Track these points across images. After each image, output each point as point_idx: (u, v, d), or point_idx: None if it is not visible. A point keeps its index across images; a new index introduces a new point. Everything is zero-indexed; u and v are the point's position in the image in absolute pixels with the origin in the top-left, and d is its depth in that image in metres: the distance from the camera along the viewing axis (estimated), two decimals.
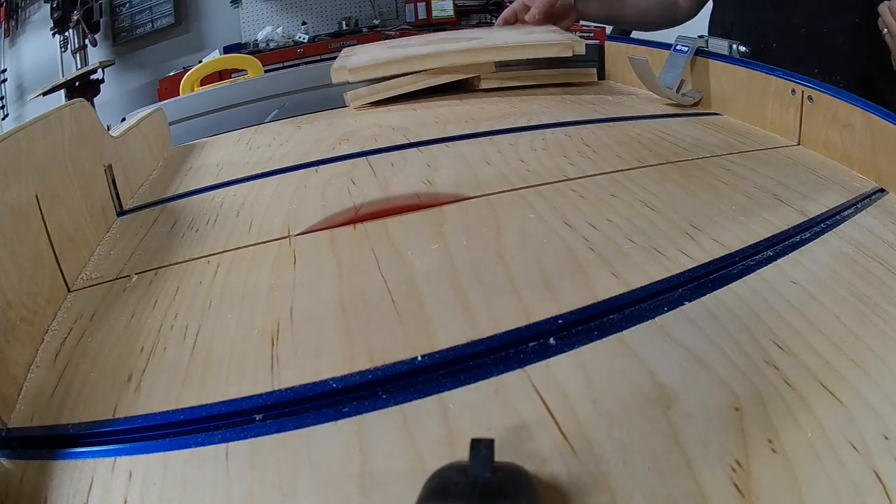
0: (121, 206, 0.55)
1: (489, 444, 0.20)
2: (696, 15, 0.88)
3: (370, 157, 0.59)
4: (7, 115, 2.99)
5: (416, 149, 0.60)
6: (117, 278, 0.41)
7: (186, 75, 1.31)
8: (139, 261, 0.43)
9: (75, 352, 0.32)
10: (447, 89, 0.91)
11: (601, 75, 0.95)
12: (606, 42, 0.93)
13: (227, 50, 2.90)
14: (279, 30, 3.00)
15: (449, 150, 0.59)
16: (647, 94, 0.79)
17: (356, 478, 0.23)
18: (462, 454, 0.20)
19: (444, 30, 2.89)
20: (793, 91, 0.56)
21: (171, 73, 2.80)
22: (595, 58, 0.97)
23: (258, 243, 0.43)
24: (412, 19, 3.01)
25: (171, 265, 0.41)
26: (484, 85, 0.91)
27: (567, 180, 0.48)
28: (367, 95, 0.86)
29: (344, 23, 3.07)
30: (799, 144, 0.55)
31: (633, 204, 0.43)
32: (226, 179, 0.59)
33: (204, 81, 1.34)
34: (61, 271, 0.39)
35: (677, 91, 0.73)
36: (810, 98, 0.54)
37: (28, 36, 2.98)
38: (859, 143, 0.49)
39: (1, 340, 0.29)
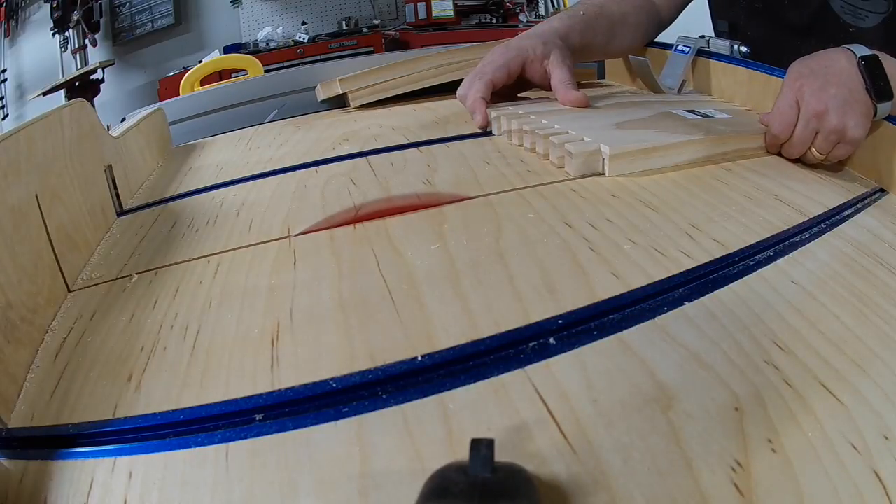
0: (121, 206, 0.55)
1: (489, 444, 0.20)
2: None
3: (370, 157, 0.59)
4: (7, 115, 2.99)
5: (416, 149, 0.60)
6: (117, 278, 0.41)
7: (186, 75, 1.31)
8: (139, 261, 0.43)
9: (75, 352, 0.32)
10: (447, 89, 0.92)
11: (601, 75, 0.95)
12: None
13: (227, 50, 2.90)
14: (279, 30, 3.00)
15: (449, 150, 0.59)
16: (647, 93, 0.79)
17: (356, 478, 0.23)
18: (462, 454, 0.20)
19: (445, 30, 2.87)
20: None
21: (172, 73, 2.80)
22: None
23: (258, 243, 0.43)
24: (412, 19, 3.00)
25: (171, 265, 0.41)
26: None
27: (567, 180, 0.48)
28: (367, 95, 0.86)
29: (344, 23, 3.06)
30: None
31: (633, 204, 0.43)
32: (226, 179, 0.59)
33: (204, 82, 1.34)
34: (61, 271, 0.39)
35: (678, 92, 0.73)
36: None
37: (28, 36, 2.98)
38: None
39: (1, 340, 0.29)
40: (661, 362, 0.27)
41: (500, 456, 0.20)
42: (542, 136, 0.53)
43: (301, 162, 0.61)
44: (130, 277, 0.40)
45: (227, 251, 0.42)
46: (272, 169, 0.60)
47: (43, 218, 0.38)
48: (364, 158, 0.59)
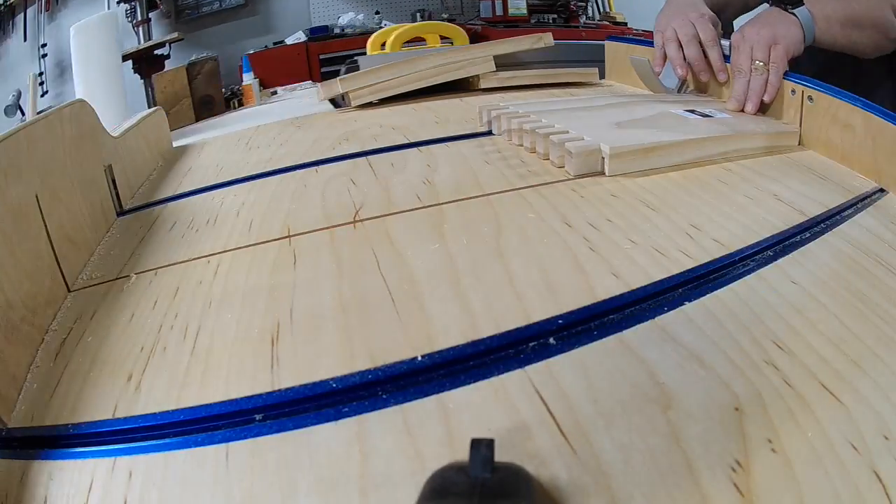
0: (121, 206, 0.55)
1: (489, 444, 0.20)
2: None
3: (370, 157, 0.59)
4: (46, 93, 2.90)
5: (416, 149, 0.60)
6: (117, 278, 0.41)
7: (397, 33, 1.23)
8: (139, 261, 0.43)
9: (75, 352, 0.32)
10: (447, 89, 0.92)
11: (601, 75, 0.95)
12: (606, 42, 0.93)
13: (313, 32, 2.85)
14: (360, 16, 2.97)
15: (449, 150, 0.59)
16: (646, 92, 0.79)
17: (356, 478, 0.23)
18: (462, 454, 0.20)
19: (517, 27, 2.85)
20: (793, 91, 0.56)
21: (252, 52, 2.70)
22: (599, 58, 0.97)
23: (258, 243, 0.43)
24: (487, 14, 2.99)
25: (171, 265, 0.41)
26: (483, 84, 0.91)
27: (567, 180, 0.48)
28: (368, 94, 0.86)
29: (418, 15, 3.07)
30: (799, 144, 0.56)
31: (633, 204, 0.43)
32: (226, 179, 0.59)
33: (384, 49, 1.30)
34: (61, 271, 0.39)
35: (679, 91, 0.73)
36: (810, 98, 0.54)
37: (69, 12, 2.91)
38: (859, 143, 0.49)
39: (1, 340, 0.29)
40: (661, 362, 0.27)
41: (500, 456, 0.20)
42: (542, 135, 0.53)
43: (301, 162, 0.61)
44: (130, 278, 0.40)
45: (227, 251, 0.42)
46: (272, 169, 0.60)
47: (43, 218, 0.38)
48: (364, 158, 0.59)
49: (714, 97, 0.69)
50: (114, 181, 0.54)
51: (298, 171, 0.58)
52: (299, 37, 2.75)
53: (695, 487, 0.21)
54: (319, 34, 2.80)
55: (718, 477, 0.22)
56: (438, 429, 0.25)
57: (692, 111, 0.59)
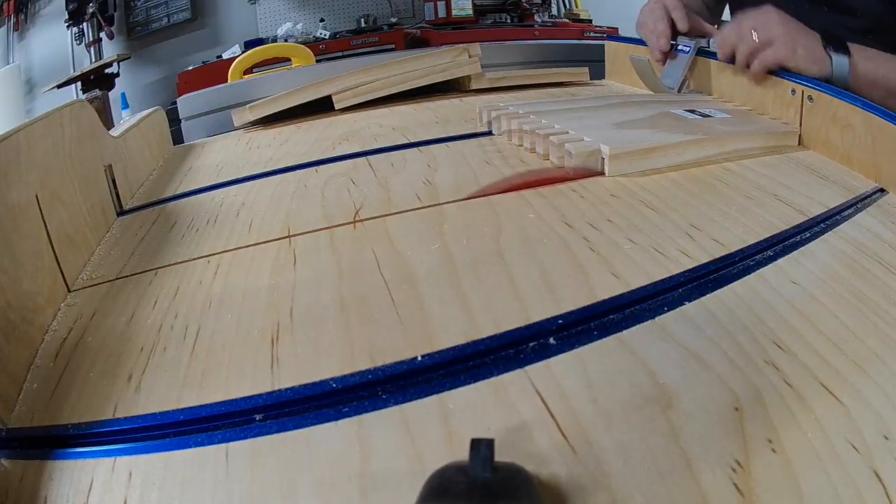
0: (121, 206, 0.55)
1: (489, 444, 0.20)
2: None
3: (370, 157, 0.59)
4: None
5: (416, 149, 0.60)
6: (117, 278, 0.41)
7: (237, 61, 1.25)
8: (139, 261, 0.43)
9: (75, 352, 0.32)
10: (441, 89, 0.92)
11: (601, 75, 0.95)
12: (606, 42, 0.93)
13: (248, 45, 2.86)
14: (299, 26, 2.96)
15: (449, 150, 0.59)
16: (646, 92, 0.79)
17: (356, 478, 0.23)
18: (462, 454, 0.20)
19: (463, 29, 2.83)
20: (793, 91, 0.56)
21: (191, 68, 2.77)
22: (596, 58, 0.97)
23: (258, 243, 0.43)
24: (431, 17, 2.96)
25: (171, 265, 0.41)
26: (474, 85, 0.91)
27: (567, 180, 0.48)
28: (349, 98, 0.86)
29: (363, 20, 3.05)
30: (799, 144, 0.56)
31: (633, 204, 0.43)
32: (226, 179, 0.59)
33: (247, 71, 1.32)
34: (61, 271, 0.39)
35: (679, 91, 0.73)
36: (810, 98, 0.54)
37: (37, 30, 2.95)
38: (859, 143, 0.49)
39: (1, 340, 0.29)
40: (661, 362, 0.27)
41: (500, 456, 0.20)
42: (542, 136, 0.53)
43: (301, 162, 0.61)
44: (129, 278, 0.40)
45: (227, 251, 0.42)
46: (272, 169, 0.60)
47: (43, 218, 0.38)
48: (364, 158, 0.59)
49: (714, 97, 0.69)
50: (114, 181, 0.54)
51: (298, 171, 0.58)
52: (235, 51, 2.73)
53: (695, 487, 0.21)
54: (256, 47, 2.79)
55: (718, 477, 0.22)
56: (438, 429, 0.25)
57: (692, 111, 0.59)
